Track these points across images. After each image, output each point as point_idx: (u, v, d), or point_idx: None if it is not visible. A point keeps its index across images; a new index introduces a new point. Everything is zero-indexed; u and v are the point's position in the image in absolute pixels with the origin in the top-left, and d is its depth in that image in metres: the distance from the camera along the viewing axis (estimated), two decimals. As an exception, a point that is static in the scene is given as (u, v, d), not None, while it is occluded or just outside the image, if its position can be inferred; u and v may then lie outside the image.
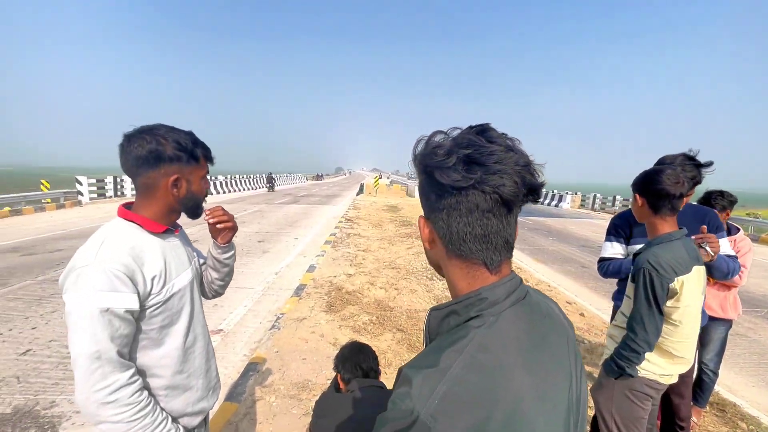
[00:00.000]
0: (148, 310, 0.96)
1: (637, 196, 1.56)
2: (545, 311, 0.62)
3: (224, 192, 24.08)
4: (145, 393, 0.95)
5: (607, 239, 2.21)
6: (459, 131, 0.58)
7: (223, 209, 1.21)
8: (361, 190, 27.05)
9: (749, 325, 4.80)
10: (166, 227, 1.05)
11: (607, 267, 2.16)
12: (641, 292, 1.45)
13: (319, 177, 55.42)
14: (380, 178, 28.33)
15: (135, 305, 0.91)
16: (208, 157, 1.09)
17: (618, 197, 20.99)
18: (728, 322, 2.55)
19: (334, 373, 3.07)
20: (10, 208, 11.85)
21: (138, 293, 0.92)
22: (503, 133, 0.57)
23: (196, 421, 1.12)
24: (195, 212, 1.12)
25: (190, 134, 1.04)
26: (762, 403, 3.09)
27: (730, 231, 2.51)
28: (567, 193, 24.02)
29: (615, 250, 2.16)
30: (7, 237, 8.35)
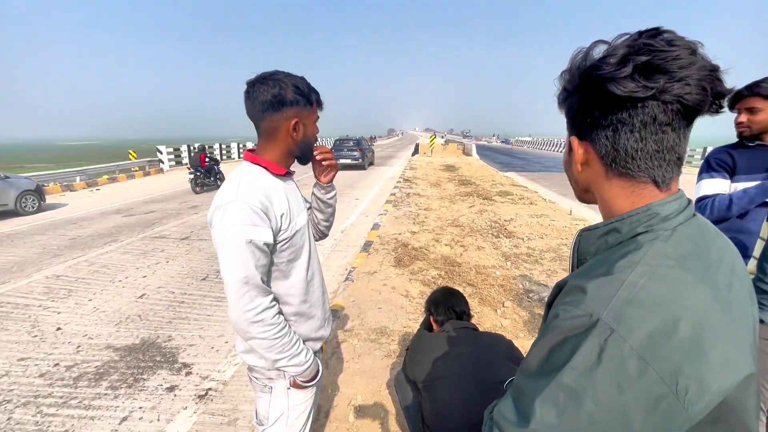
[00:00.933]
0: (279, 245, 1.05)
1: None
2: (714, 231, 0.57)
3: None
4: (282, 317, 1.06)
5: (704, 176, 1.83)
6: (626, 37, 0.52)
7: (327, 148, 1.25)
8: (416, 151, 26.69)
9: None
10: (286, 170, 1.11)
11: (711, 204, 1.75)
12: None
13: (372, 139, 55.42)
14: (435, 137, 27.55)
15: (270, 239, 0.99)
16: (319, 102, 1.12)
17: (709, 148, 18.47)
18: None
19: (408, 322, 3.26)
20: (108, 176, 13.46)
21: (272, 228, 1.00)
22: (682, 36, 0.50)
23: (317, 346, 1.24)
24: (307, 156, 1.17)
25: (303, 79, 1.07)
26: None
27: None
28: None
29: (718, 186, 1.76)
30: (109, 201, 9.55)
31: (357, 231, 6.50)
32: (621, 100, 0.50)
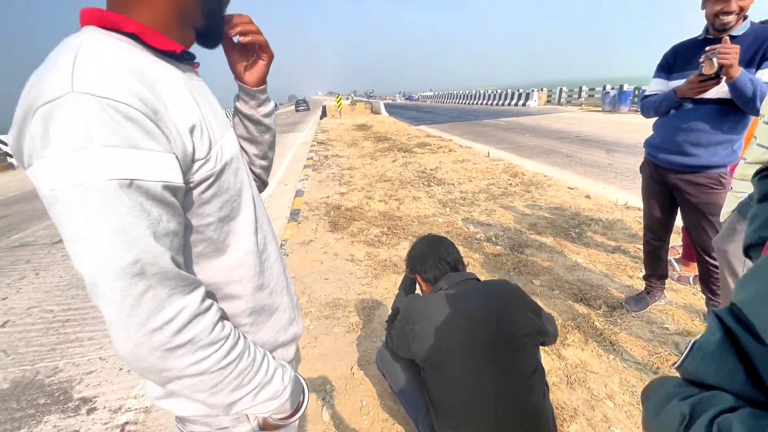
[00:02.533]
0: (196, 190, 0.55)
1: None
2: None
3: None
4: (229, 324, 0.58)
5: (654, 75, 2.06)
6: None
7: (247, 17, 0.70)
8: (324, 114, 25.48)
9: None
10: (183, 47, 0.59)
11: (640, 106, 2.10)
12: None
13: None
14: (341, 99, 26.50)
15: (176, 175, 0.50)
16: None
17: (584, 87, 20.80)
18: None
19: (362, 287, 2.90)
20: (-74, 181, 10.22)
21: (174, 153, 0.50)
22: None
23: (291, 351, 0.78)
24: (217, 29, 0.65)
25: None
26: None
27: None
28: (533, 91, 23.60)
29: (656, 85, 2.01)
30: (-66, 211, 7.22)
31: (279, 202, 5.82)
32: None
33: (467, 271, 1.35)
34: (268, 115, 0.82)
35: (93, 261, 0.44)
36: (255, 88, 0.78)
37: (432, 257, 1.32)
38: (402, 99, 61.27)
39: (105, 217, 0.43)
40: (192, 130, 0.53)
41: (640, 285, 2.55)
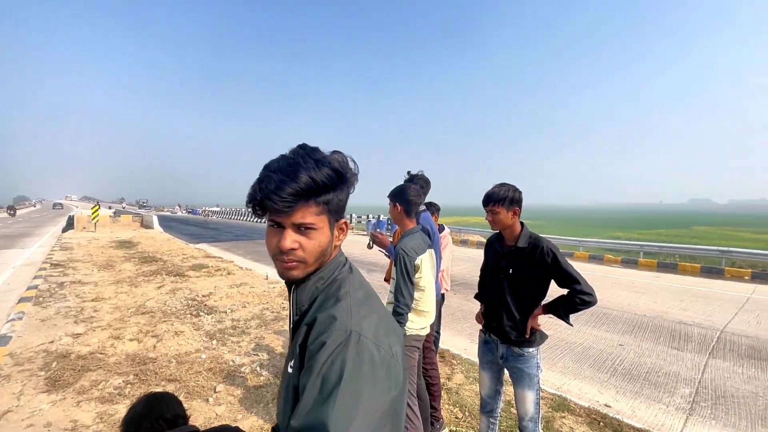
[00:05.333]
0: None
1: (396, 204, 2.10)
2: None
3: None
4: None
5: None
6: None
7: None
8: (69, 226, 20.53)
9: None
10: None
11: None
12: (398, 270, 1.96)
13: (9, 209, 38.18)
14: (99, 207, 22.22)
15: None
16: None
17: (354, 215, 25.17)
18: (440, 294, 3.66)
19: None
20: None
21: None
22: None
23: None
24: None
25: None
26: (459, 346, 4.57)
27: (442, 228, 3.65)
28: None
29: None
30: None
31: (-40, 356, 4.10)
32: None
33: (189, 424, 1.43)
34: None
35: None
36: None
37: (149, 418, 1.34)
38: (183, 212, 56.58)
39: None
40: None
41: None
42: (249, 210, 0.75)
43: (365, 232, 20.89)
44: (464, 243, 17.20)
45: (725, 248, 11.38)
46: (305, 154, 0.73)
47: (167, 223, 27.52)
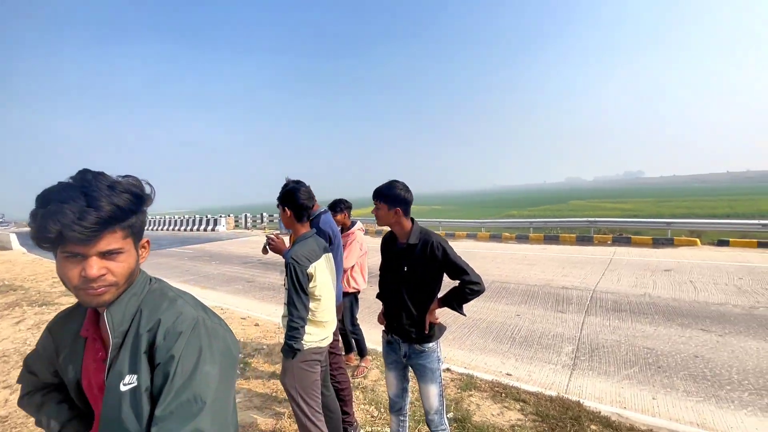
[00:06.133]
0: None
1: (286, 209, 1.94)
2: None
3: None
4: None
5: None
6: None
7: None
8: None
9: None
10: None
11: None
12: (290, 281, 1.82)
13: None
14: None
15: None
16: None
17: (265, 214, 23.88)
18: (351, 294, 3.58)
19: None
20: None
21: None
22: None
23: None
24: None
25: None
26: (376, 340, 4.58)
27: (353, 224, 3.56)
28: (221, 216, 24.69)
29: None
30: None
31: None
32: None
33: None
34: None
35: None
36: None
37: None
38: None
39: None
40: None
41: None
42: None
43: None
44: (380, 233, 17.56)
45: (592, 219, 13.44)
46: (95, 181, 0.70)
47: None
